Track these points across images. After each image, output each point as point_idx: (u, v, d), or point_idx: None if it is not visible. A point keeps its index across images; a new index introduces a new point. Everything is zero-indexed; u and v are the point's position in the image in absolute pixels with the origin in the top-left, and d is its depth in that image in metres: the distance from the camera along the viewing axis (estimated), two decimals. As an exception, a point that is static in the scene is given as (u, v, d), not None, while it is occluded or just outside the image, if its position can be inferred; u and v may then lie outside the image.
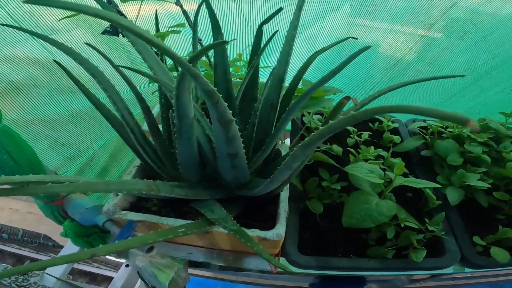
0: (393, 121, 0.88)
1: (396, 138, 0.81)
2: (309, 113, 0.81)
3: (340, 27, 0.83)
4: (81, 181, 0.38)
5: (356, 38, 0.54)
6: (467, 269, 0.65)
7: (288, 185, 0.60)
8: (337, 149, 0.75)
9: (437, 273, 0.67)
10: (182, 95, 0.38)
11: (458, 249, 0.63)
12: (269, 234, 0.52)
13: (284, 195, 0.59)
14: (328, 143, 0.79)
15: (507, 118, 0.77)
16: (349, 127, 0.83)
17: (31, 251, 1.48)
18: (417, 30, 0.74)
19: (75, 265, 1.06)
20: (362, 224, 0.57)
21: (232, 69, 0.76)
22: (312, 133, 0.33)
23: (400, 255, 0.61)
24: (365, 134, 0.82)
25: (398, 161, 0.75)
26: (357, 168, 0.62)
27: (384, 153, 0.75)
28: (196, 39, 0.53)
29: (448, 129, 0.77)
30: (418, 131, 0.84)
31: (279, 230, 0.52)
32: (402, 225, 0.58)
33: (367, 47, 0.45)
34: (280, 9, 0.52)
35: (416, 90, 0.94)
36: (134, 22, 0.55)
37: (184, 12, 0.60)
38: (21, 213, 2.13)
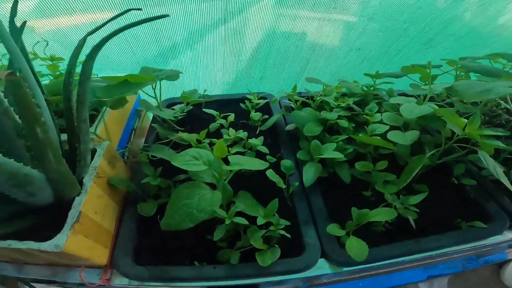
0: (264, 98, 0.77)
1: (255, 115, 0.70)
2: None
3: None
4: None
5: (141, 9, 0.46)
6: (346, 269, 0.51)
7: (85, 187, 0.48)
8: (187, 137, 0.64)
9: (295, 277, 0.53)
10: None
11: (318, 244, 0.51)
12: (43, 245, 0.41)
13: (79, 200, 0.46)
14: (183, 131, 0.67)
15: (374, 79, 0.69)
16: (212, 112, 0.72)
17: None
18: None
19: None
20: (180, 225, 0.46)
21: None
22: None
23: (254, 259, 0.48)
24: (231, 117, 0.71)
25: (259, 141, 0.65)
26: (180, 156, 0.51)
27: (243, 134, 0.65)
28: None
29: (314, 98, 0.68)
30: (290, 105, 0.74)
31: (58, 241, 0.41)
32: (229, 222, 0.47)
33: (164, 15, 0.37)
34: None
35: (307, 66, 0.91)
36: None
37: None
38: None
